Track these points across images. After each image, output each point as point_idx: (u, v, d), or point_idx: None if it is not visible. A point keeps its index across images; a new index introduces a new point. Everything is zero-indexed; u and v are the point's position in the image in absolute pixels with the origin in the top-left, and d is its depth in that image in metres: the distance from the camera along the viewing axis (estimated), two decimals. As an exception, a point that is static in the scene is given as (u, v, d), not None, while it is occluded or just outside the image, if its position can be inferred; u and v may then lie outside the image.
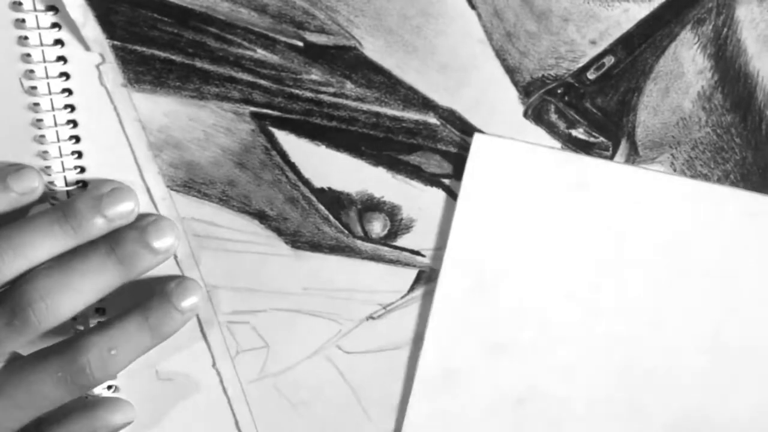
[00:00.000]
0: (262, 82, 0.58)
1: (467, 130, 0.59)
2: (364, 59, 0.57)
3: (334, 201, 0.60)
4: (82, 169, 0.58)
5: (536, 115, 0.58)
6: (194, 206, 0.60)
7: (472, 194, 0.60)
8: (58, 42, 0.56)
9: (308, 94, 0.58)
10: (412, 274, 0.62)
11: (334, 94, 0.58)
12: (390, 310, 0.63)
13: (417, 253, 0.62)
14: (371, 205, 0.60)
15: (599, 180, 0.60)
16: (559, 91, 0.58)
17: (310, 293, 0.63)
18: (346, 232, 0.61)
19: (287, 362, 0.65)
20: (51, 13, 0.55)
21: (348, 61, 0.57)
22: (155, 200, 0.59)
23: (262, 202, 0.60)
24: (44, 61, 0.56)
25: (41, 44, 0.55)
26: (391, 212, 0.61)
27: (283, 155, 0.59)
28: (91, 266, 0.56)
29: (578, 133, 0.59)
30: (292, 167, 0.59)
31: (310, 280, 0.62)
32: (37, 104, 0.56)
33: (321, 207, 0.60)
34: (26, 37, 0.55)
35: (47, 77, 0.56)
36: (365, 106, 0.58)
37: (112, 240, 0.57)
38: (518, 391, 0.65)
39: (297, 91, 0.58)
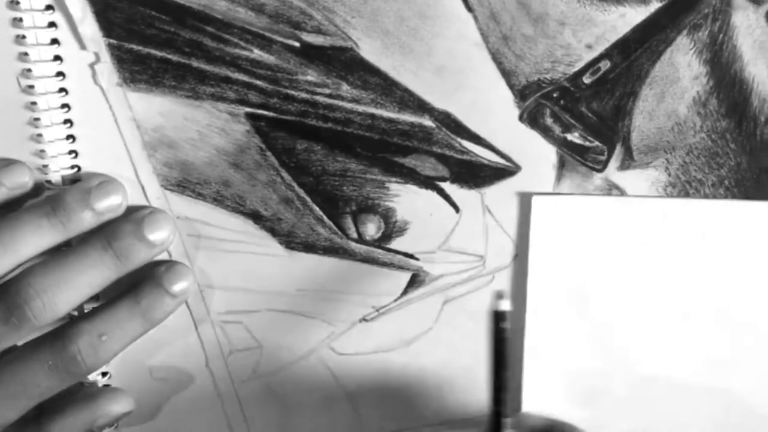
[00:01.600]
0: (258, 82, 0.57)
1: (462, 132, 0.58)
2: (361, 60, 0.57)
3: (329, 202, 0.60)
4: (79, 168, 0.58)
5: (531, 118, 0.58)
6: (188, 206, 0.60)
7: (540, 253, 0.61)
8: (55, 41, 0.55)
9: (304, 95, 0.58)
10: (405, 277, 0.62)
11: (330, 96, 0.58)
12: (383, 312, 0.63)
13: (411, 256, 0.62)
14: (366, 207, 0.60)
15: (657, 216, 0.61)
16: (554, 95, 0.58)
17: (303, 294, 0.63)
18: (340, 233, 0.61)
19: (280, 363, 0.64)
20: (48, 12, 0.55)
21: (344, 62, 0.57)
22: (150, 199, 0.59)
23: (256, 202, 0.60)
24: (41, 60, 0.55)
25: (38, 43, 0.55)
26: (386, 214, 0.61)
27: (278, 156, 0.59)
28: (87, 262, 0.56)
29: (573, 137, 0.59)
30: (287, 168, 0.59)
31: (303, 281, 0.62)
32: (34, 103, 0.56)
33: (315, 208, 0.60)
34: (23, 36, 0.55)
35: (44, 76, 0.56)
36: (361, 108, 0.58)
37: (107, 234, 0.56)
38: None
39: (293, 92, 0.58)
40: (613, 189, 0.60)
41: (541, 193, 0.60)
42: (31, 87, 0.55)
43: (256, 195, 0.60)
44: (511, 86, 0.58)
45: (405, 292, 0.63)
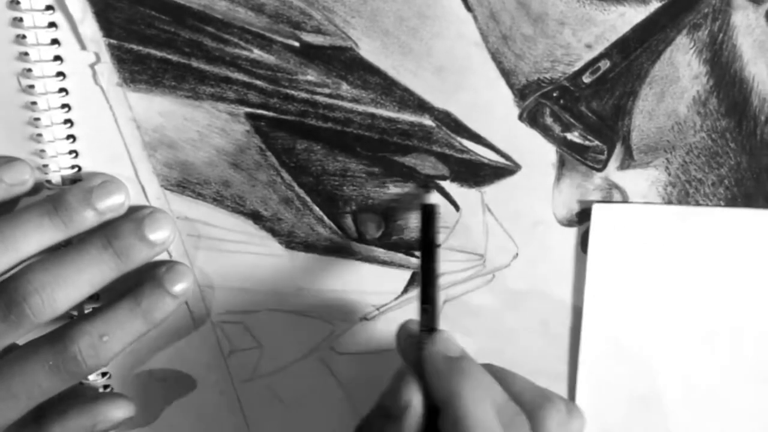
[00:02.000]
0: (258, 82, 0.57)
1: (462, 131, 0.59)
2: (360, 60, 0.57)
3: (329, 202, 0.60)
4: (79, 168, 0.58)
5: (531, 118, 0.58)
6: (188, 206, 0.60)
7: (598, 260, 0.62)
8: (55, 42, 0.55)
9: (304, 95, 0.58)
10: (405, 275, 0.62)
11: (330, 95, 0.58)
12: (383, 311, 0.63)
13: (411, 254, 0.62)
14: (366, 207, 0.60)
15: (718, 226, 0.61)
16: (554, 95, 0.58)
17: (303, 294, 0.63)
18: (341, 233, 0.61)
19: (280, 362, 0.64)
20: (48, 12, 0.55)
21: (344, 61, 0.57)
22: (150, 199, 0.59)
23: (256, 202, 0.60)
24: (41, 60, 0.55)
25: (38, 43, 0.55)
26: (386, 214, 0.61)
27: (278, 156, 0.59)
28: (86, 259, 0.56)
29: (573, 136, 0.59)
30: (287, 168, 0.59)
31: (304, 281, 0.62)
32: (34, 103, 0.56)
33: (316, 208, 0.60)
34: (24, 36, 0.55)
35: (44, 76, 0.56)
36: (361, 108, 0.58)
37: (108, 233, 0.56)
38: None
39: (292, 92, 0.58)
40: (612, 188, 0.60)
41: (601, 202, 0.60)
42: (32, 87, 0.55)
43: (256, 195, 0.60)
44: (510, 85, 0.58)
45: (405, 290, 0.63)
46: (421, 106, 0.58)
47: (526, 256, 0.63)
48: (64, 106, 0.57)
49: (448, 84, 0.58)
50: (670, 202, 0.60)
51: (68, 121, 0.57)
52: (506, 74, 0.57)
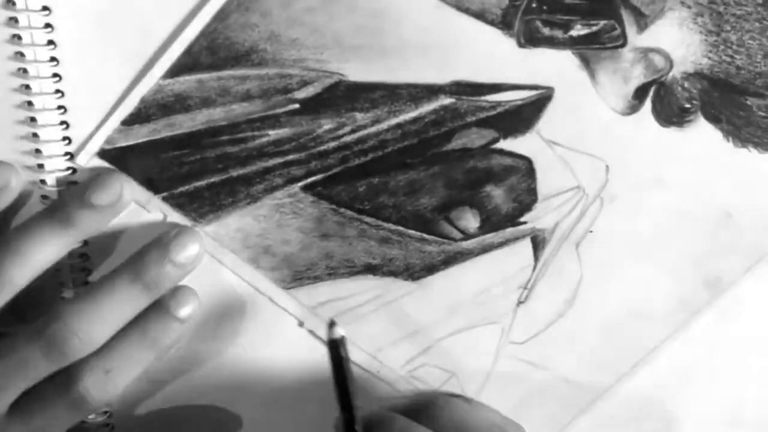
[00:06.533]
0: (290, 157, 0.58)
1: (481, 90, 0.56)
2: (355, 85, 0.56)
3: (419, 219, 0.59)
4: (74, 171, 0.58)
5: (529, 39, 0.55)
6: (315, 293, 0.61)
7: None
8: (51, 43, 0.55)
9: (333, 144, 0.57)
10: (527, 244, 0.60)
11: (353, 131, 0.57)
12: (532, 287, 0.60)
13: (518, 223, 0.59)
14: (450, 205, 0.58)
15: None
16: (534, 5, 0.54)
17: (455, 311, 0.61)
18: (447, 240, 0.59)
19: (479, 381, 0.63)
20: (44, 13, 0.55)
21: (343, 95, 0.56)
22: (277, 302, 0.61)
23: (362, 256, 0.60)
24: (36, 60, 0.55)
25: (33, 44, 0.55)
26: (472, 201, 0.58)
27: (351, 207, 0.59)
28: (117, 297, 0.55)
29: (577, 30, 0.54)
30: (365, 212, 0.59)
31: (448, 300, 0.61)
32: (30, 103, 0.56)
33: (412, 232, 0.59)
34: (19, 36, 0.55)
35: (39, 77, 0.55)
36: (384, 125, 0.57)
37: (136, 265, 0.56)
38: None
39: (322, 148, 0.57)
40: (648, 53, 0.55)
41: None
42: (27, 87, 0.55)
43: (357, 251, 0.60)
44: (491, 23, 0.55)
45: (536, 257, 0.60)
46: (431, 90, 0.56)
47: (614, 161, 0.59)
48: (60, 107, 0.56)
49: (438, 57, 0.56)
50: (709, 32, 0.54)
51: (64, 123, 0.57)
52: (480, 16, 0.54)
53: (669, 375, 0.63)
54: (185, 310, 0.57)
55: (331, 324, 0.56)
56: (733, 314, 0.61)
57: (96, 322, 0.55)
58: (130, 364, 0.56)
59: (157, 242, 0.57)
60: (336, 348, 0.56)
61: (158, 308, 0.57)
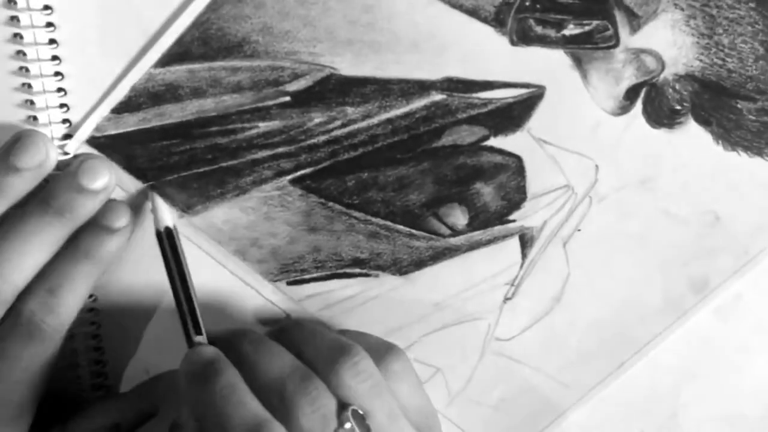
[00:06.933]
0: (280, 150, 0.57)
1: (472, 87, 0.56)
2: (347, 79, 0.56)
3: (407, 215, 0.59)
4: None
5: (522, 37, 0.55)
6: (302, 286, 0.61)
7: None
8: (53, 41, 0.55)
9: (323, 138, 0.57)
10: (515, 242, 0.60)
11: (343, 125, 0.57)
12: (519, 284, 0.60)
13: (507, 221, 0.59)
14: (439, 201, 0.59)
15: None
16: (527, 4, 0.54)
17: (442, 306, 0.61)
18: (435, 236, 0.59)
19: (464, 377, 0.63)
20: (46, 12, 0.54)
21: (334, 88, 0.56)
22: (264, 295, 0.61)
23: (350, 250, 0.60)
24: (38, 59, 0.55)
25: (35, 43, 0.55)
26: (461, 198, 0.58)
27: (339, 201, 0.59)
28: (30, 230, 0.54)
29: (570, 30, 0.54)
30: (354, 207, 0.59)
31: (434, 295, 0.61)
32: (32, 102, 0.56)
33: (400, 227, 0.59)
34: (21, 36, 0.54)
35: (41, 76, 0.55)
36: (375, 120, 0.57)
37: (45, 193, 0.55)
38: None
39: (312, 141, 0.57)
40: (640, 54, 0.55)
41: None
42: (29, 86, 0.55)
43: (345, 245, 0.60)
44: (484, 20, 0.54)
45: (524, 255, 0.60)
46: (423, 86, 0.56)
47: (604, 161, 0.58)
48: (62, 105, 0.56)
49: (430, 53, 0.55)
50: (701, 35, 0.54)
51: (66, 120, 0.56)
52: (473, 13, 0.54)
53: (668, 374, 0.63)
54: (111, 217, 0.56)
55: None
56: (723, 315, 0.61)
57: (14, 259, 0.54)
58: (71, 280, 0.55)
59: (65, 170, 0.55)
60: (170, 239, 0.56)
61: (88, 222, 0.56)
